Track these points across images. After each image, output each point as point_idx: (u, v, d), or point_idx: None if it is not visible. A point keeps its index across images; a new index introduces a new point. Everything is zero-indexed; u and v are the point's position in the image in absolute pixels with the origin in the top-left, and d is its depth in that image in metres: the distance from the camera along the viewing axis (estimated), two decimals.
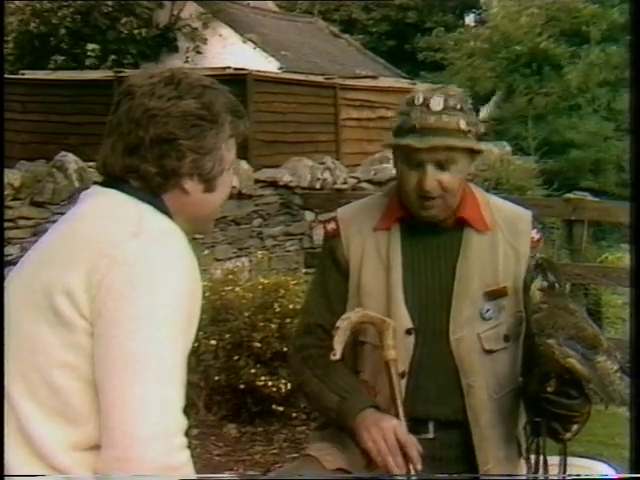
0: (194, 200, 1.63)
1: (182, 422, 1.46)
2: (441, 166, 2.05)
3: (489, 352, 2.10)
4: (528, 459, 2.11)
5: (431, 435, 2.12)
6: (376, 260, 2.14)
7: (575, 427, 2.00)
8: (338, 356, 2.02)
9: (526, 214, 2.21)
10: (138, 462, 1.40)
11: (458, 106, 2.05)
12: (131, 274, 1.46)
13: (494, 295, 2.11)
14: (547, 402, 1.97)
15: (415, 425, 2.10)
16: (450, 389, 2.10)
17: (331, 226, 2.22)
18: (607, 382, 1.89)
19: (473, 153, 2.10)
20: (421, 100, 2.05)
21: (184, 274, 1.50)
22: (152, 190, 1.59)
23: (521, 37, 16.02)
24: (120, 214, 1.55)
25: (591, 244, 6.35)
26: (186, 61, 14.06)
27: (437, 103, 2.04)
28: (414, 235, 2.14)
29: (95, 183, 1.67)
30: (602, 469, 2.28)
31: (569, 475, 2.08)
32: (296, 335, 2.33)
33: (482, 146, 2.12)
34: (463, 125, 2.04)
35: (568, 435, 2.00)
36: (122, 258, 1.47)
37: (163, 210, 1.59)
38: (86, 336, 1.47)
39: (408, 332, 2.09)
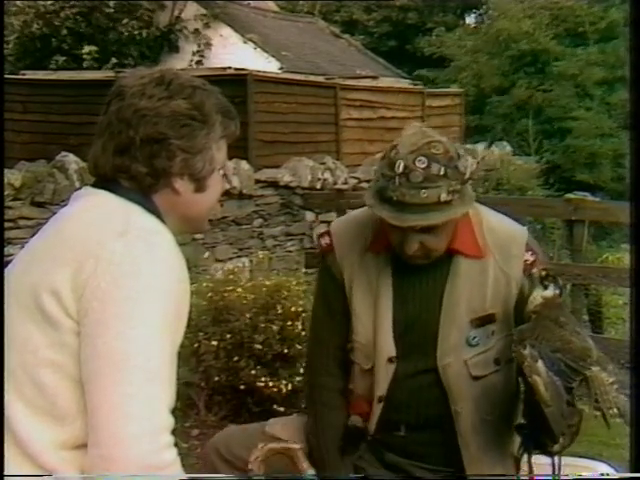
0: (185, 200, 1.63)
1: (168, 421, 1.46)
2: (425, 231, 1.98)
3: (477, 378, 2.08)
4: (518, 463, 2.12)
5: (402, 433, 2.14)
6: (365, 283, 2.12)
7: (564, 440, 1.95)
8: None
9: (521, 235, 2.14)
10: (123, 461, 1.40)
11: (442, 172, 1.92)
12: (117, 274, 1.46)
13: (481, 322, 2.08)
14: (534, 413, 1.94)
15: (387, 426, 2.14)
16: (437, 413, 2.10)
17: (325, 240, 2.20)
18: (600, 392, 1.87)
19: None
20: (401, 169, 1.92)
21: (170, 273, 1.51)
22: (142, 190, 1.60)
23: (525, 36, 16.04)
24: (108, 214, 1.56)
25: (592, 244, 6.37)
26: (190, 65, 14.06)
27: (417, 175, 1.91)
28: (404, 261, 2.09)
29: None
30: (602, 469, 2.28)
31: (568, 475, 2.08)
32: (309, 366, 2.34)
33: (467, 206, 2.00)
34: (444, 197, 1.92)
35: (557, 447, 1.97)
36: (108, 258, 1.47)
37: (152, 210, 1.59)
38: (72, 335, 1.47)
39: (390, 360, 2.09)
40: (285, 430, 2.26)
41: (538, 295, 1.99)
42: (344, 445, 2.15)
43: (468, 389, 2.08)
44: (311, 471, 2.07)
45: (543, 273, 2.01)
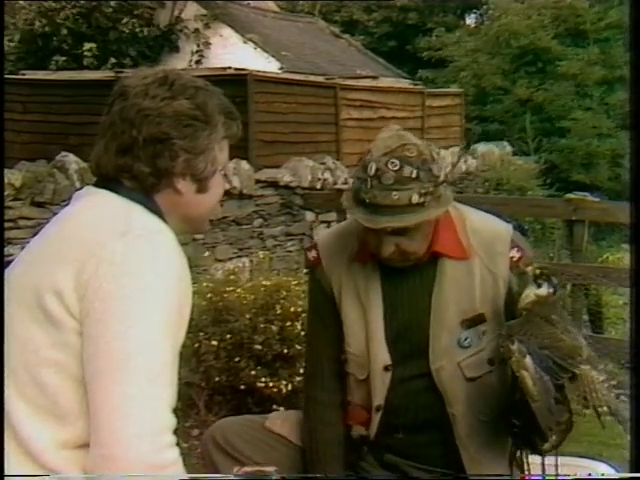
0: (187, 200, 1.64)
1: (170, 420, 1.46)
2: (399, 234, 1.98)
3: (472, 380, 2.08)
4: (511, 462, 2.12)
5: (400, 436, 2.14)
6: (354, 294, 2.12)
7: (554, 438, 1.94)
8: None
9: (505, 233, 2.13)
10: (124, 460, 1.41)
11: (414, 174, 1.93)
12: (118, 273, 1.46)
13: (472, 323, 2.08)
14: (523, 410, 1.93)
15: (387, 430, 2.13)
16: (435, 418, 2.10)
17: (312, 254, 2.21)
18: (589, 390, 1.85)
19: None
20: (373, 171, 1.95)
21: (172, 273, 1.51)
22: (145, 190, 1.60)
23: (525, 35, 16.05)
24: (109, 214, 1.57)
25: (592, 244, 6.36)
26: (189, 65, 14.08)
27: (388, 177, 1.93)
28: (391, 268, 2.10)
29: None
30: (602, 469, 2.28)
31: (569, 475, 2.07)
32: (306, 377, 2.35)
33: (441, 209, 1.99)
34: (415, 199, 1.93)
35: (546, 446, 1.96)
36: (109, 257, 1.47)
37: (154, 210, 1.59)
38: (75, 335, 1.48)
39: (385, 369, 2.09)
40: (285, 426, 2.27)
41: (531, 293, 1.98)
42: (347, 455, 2.16)
43: (463, 391, 2.08)
44: None
45: (537, 271, 2.00)
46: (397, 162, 1.94)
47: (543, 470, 2.03)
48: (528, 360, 1.86)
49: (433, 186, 1.96)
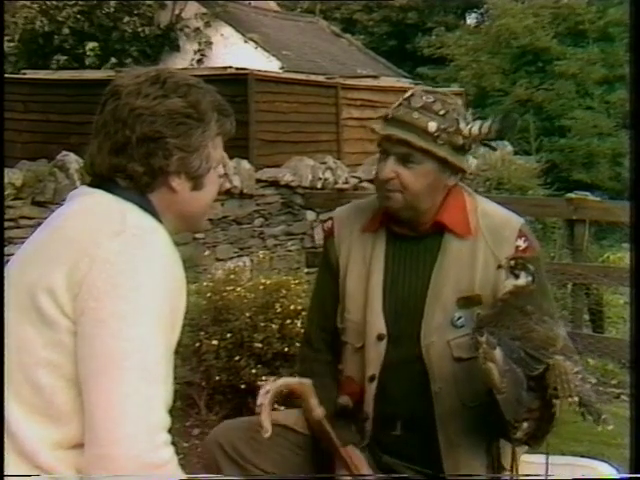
0: (182, 198, 1.64)
1: (165, 419, 1.46)
2: (403, 161, 2.04)
3: (459, 360, 2.07)
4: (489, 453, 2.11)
5: (398, 432, 2.13)
6: (360, 262, 2.15)
7: (526, 425, 1.88)
8: (269, 433, 2.02)
9: (515, 222, 2.14)
10: (121, 459, 1.41)
11: (441, 111, 2.03)
12: (113, 272, 1.46)
13: (467, 303, 2.07)
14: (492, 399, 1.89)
15: (383, 423, 2.13)
16: (419, 394, 2.09)
17: (327, 225, 2.27)
18: (559, 381, 1.82)
19: (446, 163, 2.05)
20: (408, 95, 2.08)
21: (166, 272, 1.51)
22: (139, 189, 1.60)
23: (525, 35, 16.05)
24: (103, 213, 1.57)
25: (593, 244, 6.35)
26: (191, 64, 14.08)
27: (417, 101, 2.05)
28: (398, 239, 2.14)
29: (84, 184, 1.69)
30: (603, 469, 2.27)
31: (567, 475, 2.07)
32: (302, 339, 2.43)
33: (453, 159, 2.06)
34: (432, 127, 2.01)
35: (519, 434, 1.90)
36: (104, 256, 1.47)
37: (149, 209, 1.59)
38: (69, 335, 1.48)
39: (379, 338, 2.10)
40: (289, 418, 2.26)
41: (509, 284, 1.98)
42: (336, 421, 2.15)
43: (449, 370, 2.07)
44: (320, 410, 2.11)
45: (512, 262, 1.99)
46: (432, 98, 2.06)
47: (515, 468, 2.01)
48: (498, 352, 1.85)
49: (454, 130, 2.04)
